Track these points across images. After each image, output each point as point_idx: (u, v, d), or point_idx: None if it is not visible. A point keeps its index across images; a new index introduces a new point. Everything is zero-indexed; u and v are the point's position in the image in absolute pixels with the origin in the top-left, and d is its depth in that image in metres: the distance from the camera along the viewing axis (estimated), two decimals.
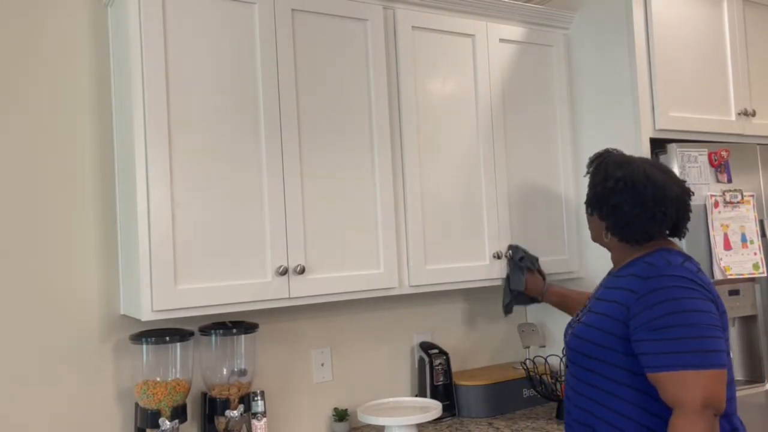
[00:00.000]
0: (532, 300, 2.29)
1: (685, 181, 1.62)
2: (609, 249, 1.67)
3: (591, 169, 1.69)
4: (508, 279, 2.28)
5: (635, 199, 1.54)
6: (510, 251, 2.28)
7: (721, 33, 2.48)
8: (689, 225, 1.99)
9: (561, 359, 2.32)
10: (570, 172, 2.49)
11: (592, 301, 1.64)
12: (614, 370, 1.48)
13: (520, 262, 2.25)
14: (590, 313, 1.59)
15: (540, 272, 2.29)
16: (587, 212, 1.70)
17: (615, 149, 1.71)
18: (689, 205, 1.60)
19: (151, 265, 1.71)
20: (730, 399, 1.47)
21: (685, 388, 1.34)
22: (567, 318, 1.82)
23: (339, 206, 2.00)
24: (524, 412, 2.36)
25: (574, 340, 1.60)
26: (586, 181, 2.42)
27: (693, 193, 1.62)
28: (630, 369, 1.45)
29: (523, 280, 2.23)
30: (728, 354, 1.48)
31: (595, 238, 1.71)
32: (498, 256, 2.27)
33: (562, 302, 2.20)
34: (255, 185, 1.87)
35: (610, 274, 1.67)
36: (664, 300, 1.40)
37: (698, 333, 1.37)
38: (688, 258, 1.53)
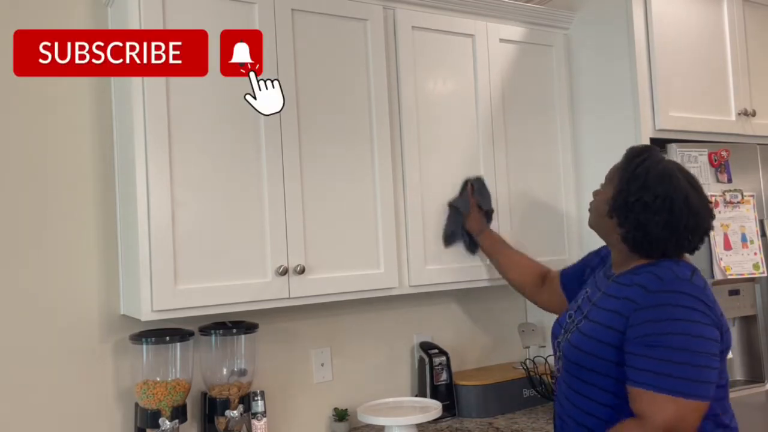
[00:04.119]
0: (470, 239, 2.21)
1: (711, 202, 1.51)
2: (610, 246, 1.60)
3: (629, 168, 1.51)
4: (454, 208, 2.20)
5: (668, 222, 1.43)
6: (472, 183, 2.22)
7: (721, 33, 2.48)
8: None
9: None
10: (570, 171, 2.49)
11: (588, 306, 1.56)
12: (609, 381, 1.43)
13: (472, 194, 2.20)
14: (587, 322, 1.52)
15: (487, 214, 2.23)
16: (606, 214, 1.54)
17: (658, 149, 1.56)
18: (711, 228, 1.51)
19: (151, 265, 1.71)
20: (722, 399, 1.44)
21: (654, 407, 1.31)
22: None
23: (339, 206, 1.99)
24: (524, 412, 2.36)
25: (570, 349, 1.53)
26: (586, 180, 2.42)
27: (715, 216, 1.52)
28: (624, 380, 1.41)
29: (468, 205, 2.18)
30: (724, 372, 1.44)
31: (595, 226, 1.61)
32: None
33: (492, 247, 2.16)
34: (255, 185, 1.87)
35: (608, 277, 1.59)
36: (664, 319, 1.35)
37: (688, 360, 1.32)
38: (695, 271, 1.46)
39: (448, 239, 2.20)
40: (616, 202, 1.51)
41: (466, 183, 2.23)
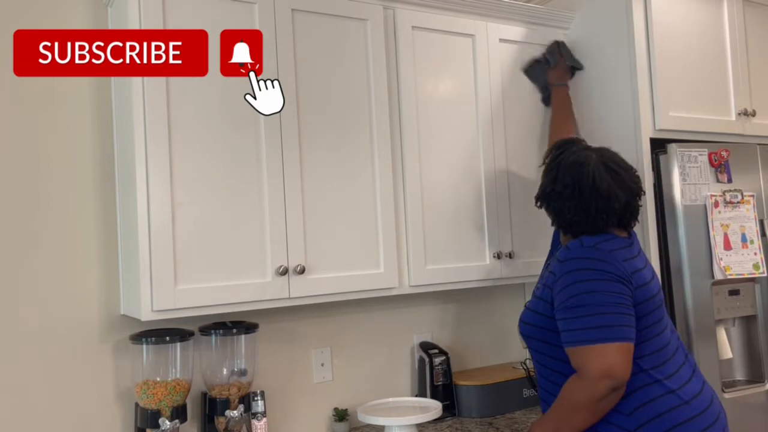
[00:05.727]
0: (546, 94, 2.42)
1: (638, 178, 1.65)
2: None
3: (547, 162, 1.75)
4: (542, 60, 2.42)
5: (578, 206, 1.60)
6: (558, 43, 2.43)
7: (721, 33, 2.48)
8: (691, 224, 1.99)
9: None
10: None
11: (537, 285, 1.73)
12: (553, 348, 1.57)
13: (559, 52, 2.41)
14: (533, 298, 1.67)
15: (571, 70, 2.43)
16: (535, 204, 1.75)
17: (581, 140, 1.75)
18: (637, 207, 1.64)
19: (151, 265, 1.71)
20: (654, 353, 1.52)
21: (585, 360, 1.44)
22: None
23: (339, 206, 1.99)
24: (524, 412, 2.36)
25: (522, 326, 1.69)
26: None
27: (644, 192, 1.67)
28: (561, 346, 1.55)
29: (556, 58, 2.39)
30: (660, 324, 1.55)
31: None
32: (498, 256, 2.27)
33: (557, 105, 2.35)
34: (255, 185, 1.87)
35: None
36: (571, 283, 1.50)
37: (598, 311, 1.45)
38: (605, 239, 1.57)
39: (531, 77, 2.41)
40: (538, 193, 1.73)
41: (554, 43, 2.42)
